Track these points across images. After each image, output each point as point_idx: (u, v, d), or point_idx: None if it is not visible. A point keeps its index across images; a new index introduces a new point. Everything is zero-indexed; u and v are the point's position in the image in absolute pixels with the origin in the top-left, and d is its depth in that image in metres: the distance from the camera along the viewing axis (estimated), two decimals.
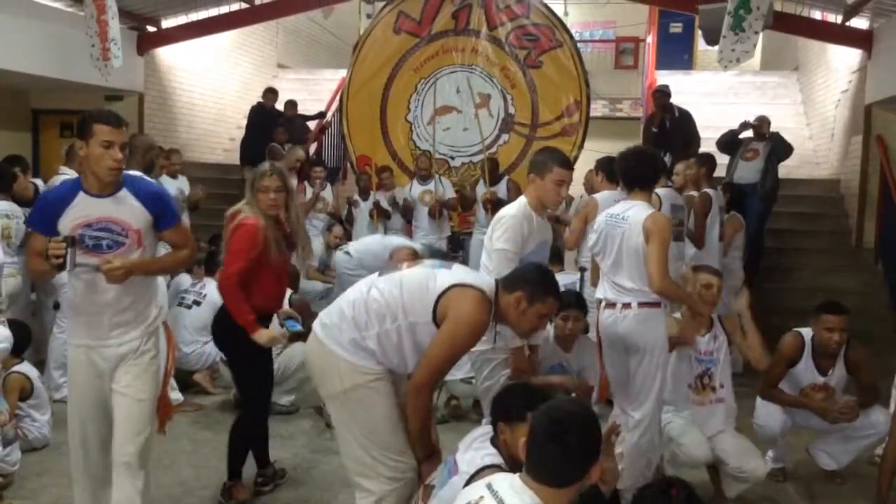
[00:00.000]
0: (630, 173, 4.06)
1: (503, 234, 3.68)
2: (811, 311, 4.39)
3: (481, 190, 8.54)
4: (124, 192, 3.12)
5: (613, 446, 2.42)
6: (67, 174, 5.83)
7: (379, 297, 3.02)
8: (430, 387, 3.06)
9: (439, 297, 2.94)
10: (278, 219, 3.94)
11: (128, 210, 3.13)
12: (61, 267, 2.93)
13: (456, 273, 3.08)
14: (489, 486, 2.15)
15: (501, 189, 8.53)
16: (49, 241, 2.96)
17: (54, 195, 3.19)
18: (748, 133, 8.14)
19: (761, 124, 8.07)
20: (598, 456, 2.11)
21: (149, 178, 3.80)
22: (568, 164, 3.81)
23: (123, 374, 3.23)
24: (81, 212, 3.07)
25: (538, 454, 2.09)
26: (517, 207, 3.77)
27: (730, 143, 8.24)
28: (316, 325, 3.16)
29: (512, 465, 2.63)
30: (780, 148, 7.99)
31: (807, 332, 4.32)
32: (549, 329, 4.27)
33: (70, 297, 3.27)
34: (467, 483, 2.60)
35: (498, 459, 2.71)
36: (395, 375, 3.10)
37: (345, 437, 3.10)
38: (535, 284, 3.05)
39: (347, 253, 6.83)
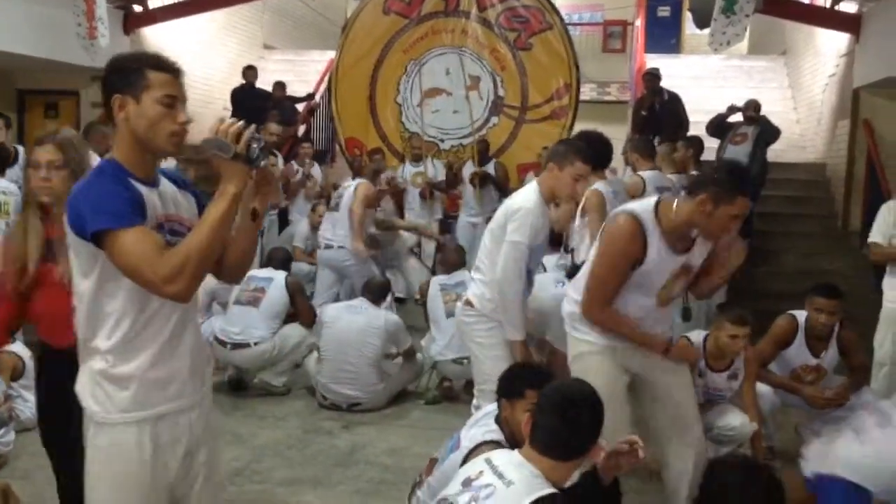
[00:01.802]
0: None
1: (519, 228, 3.65)
2: (798, 293, 4.44)
3: (468, 171, 8.56)
4: (161, 178, 2.18)
5: (636, 451, 2.45)
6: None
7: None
8: (597, 305, 3.09)
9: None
10: (47, 209, 2.76)
11: (182, 202, 2.20)
12: (251, 158, 1.97)
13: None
14: (488, 461, 2.21)
15: (490, 171, 8.56)
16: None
17: (115, 181, 2.01)
18: (738, 117, 8.18)
19: (748, 108, 8.11)
20: (599, 436, 2.19)
21: None
22: (590, 160, 3.74)
23: (202, 452, 2.19)
24: (149, 209, 2.04)
25: (546, 427, 2.18)
26: (532, 199, 3.73)
27: (719, 126, 8.28)
28: None
29: (512, 442, 2.68)
30: (767, 132, 8.03)
31: (800, 315, 4.34)
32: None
33: (126, 342, 2.03)
34: (465, 458, 2.67)
35: (498, 436, 2.77)
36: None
37: None
38: (721, 183, 2.91)
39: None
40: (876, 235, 4.82)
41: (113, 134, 2.11)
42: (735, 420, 4.02)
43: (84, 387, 2.08)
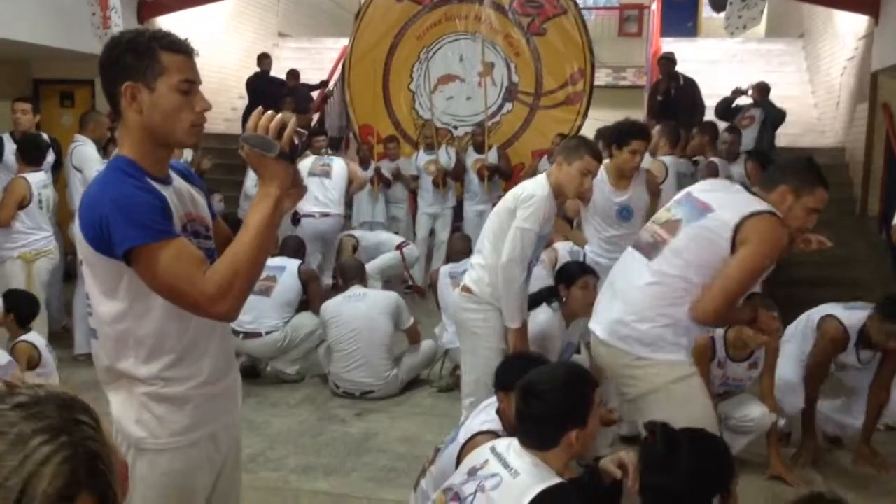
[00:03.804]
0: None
1: (531, 215, 3.60)
2: (815, 279, 4.37)
3: (471, 157, 8.52)
4: (171, 173, 1.92)
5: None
6: (81, 142, 5.82)
7: (665, 277, 2.72)
8: (724, 308, 2.66)
9: (737, 228, 2.64)
10: None
11: (198, 199, 1.98)
12: (294, 154, 1.76)
13: (735, 203, 2.74)
14: (493, 450, 2.22)
15: (492, 158, 8.52)
16: (257, 118, 1.75)
17: (139, 186, 1.76)
18: (748, 100, 8.14)
19: (751, 90, 8.07)
20: (576, 420, 2.12)
21: None
22: (600, 156, 3.75)
23: (235, 446, 2.09)
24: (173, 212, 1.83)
25: (517, 419, 2.22)
26: (543, 188, 3.68)
27: (726, 110, 8.24)
28: (598, 329, 2.87)
29: (511, 432, 2.68)
30: (773, 114, 7.96)
31: (850, 322, 4.11)
32: (552, 314, 4.10)
33: (172, 366, 1.83)
34: (461, 449, 2.71)
35: (496, 426, 2.80)
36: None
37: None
38: (800, 174, 2.78)
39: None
40: None
41: (120, 126, 1.84)
42: (754, 411, 3.98)
43: (125, 411, 1.83)
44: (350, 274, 5.54)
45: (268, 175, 1.74)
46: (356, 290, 5.37)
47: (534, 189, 3.70)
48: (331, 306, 5.31)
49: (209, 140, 10.52)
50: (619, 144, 4.52)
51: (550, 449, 2.12)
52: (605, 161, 5.49)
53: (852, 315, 4.16)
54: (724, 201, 2.78)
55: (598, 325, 2.89)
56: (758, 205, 2.71)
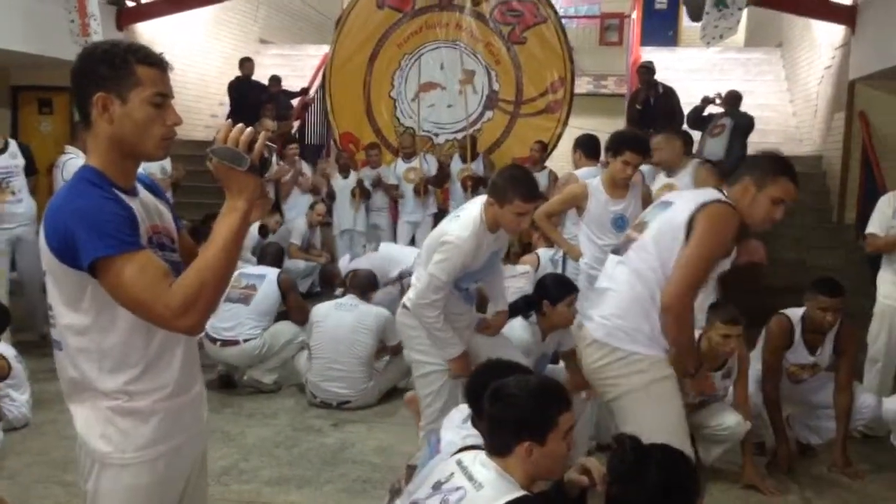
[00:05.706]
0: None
1: (441, 262, 3.42)
2: (793, 288, 4.40)
3: (456, 166, 8.54)
4: (137, 185, 1.92)
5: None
6: (73, 155, 5.76)
7: (637, 273, 2.78)
8: (689, 296, 2.69)
9: (691, 219, 2.70)
10: None
11: (164, 211, 1.98)
12: (264, 168, 1.76)
13: (693, 197, 2.83)
14: (459, 463, 2.21)
15: (477, 167, 8.54)
16: (227, 131, 1.73)
17: (105, 196, 1.75)
18: (719, 109, 8.21)
19: (719, 99, 8.14)
20: (533, 432, 2.10)
21: None
22: (533, 196, 3.42)
23: (201, 460, 2.08)
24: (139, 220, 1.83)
25: (484, 422, 2.23)
26: (468, 230, 3.43)
27: (697, 119, 8.32)
28: (592, 326, 2.85)
29: None
30: (742, 123, 8.02)
31: (793, 313, 4.24)
32: (528, 326, 4.10)
33: (137, 380, 1.82)
34: None
35: (479, 440, 2.72)
36: None
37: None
38: (762, 165, 2.80)
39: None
40: (874, 227, 4.79)
41: (88, 136, 1.83)
42: (730, 419, 3.98)
43: (89, 426, 1.83)
44: (354, 282, 5.49)
45: (236, 188, 1.74)
46: (349, 299, 5.33)
47: (454, 233, 3.46)
48: (321, 310, 5.28)
49: (188, 147, 10.43)
50: (614, 153, 4.49)
51: (506, 456, 2.11)
52: (592, 168, 5.54)
53: (797, 310, 4.26)
54: (685, 197, 2.90)
55: (591, 322, 2.90)
56: (712, 196, 2.77)
